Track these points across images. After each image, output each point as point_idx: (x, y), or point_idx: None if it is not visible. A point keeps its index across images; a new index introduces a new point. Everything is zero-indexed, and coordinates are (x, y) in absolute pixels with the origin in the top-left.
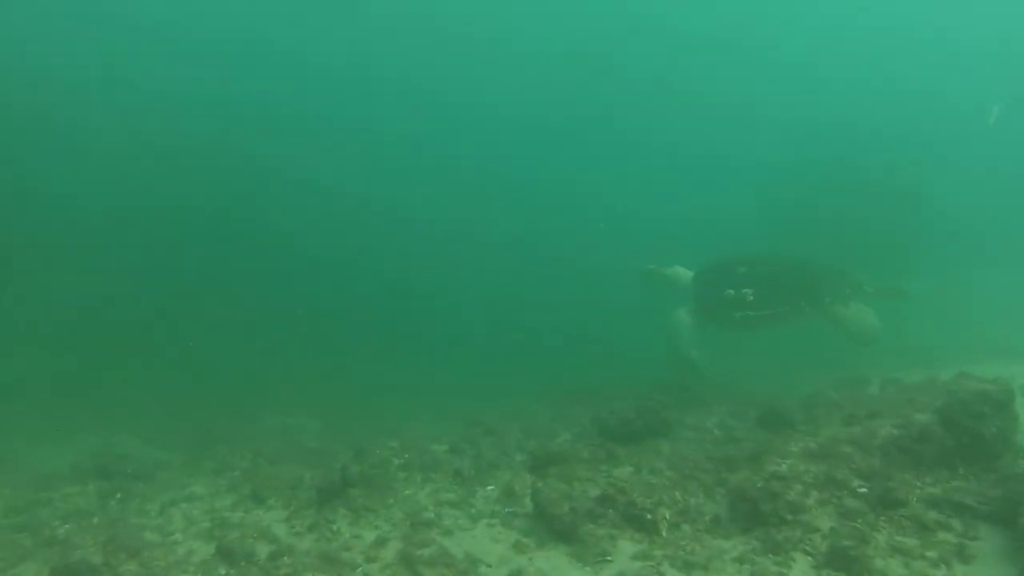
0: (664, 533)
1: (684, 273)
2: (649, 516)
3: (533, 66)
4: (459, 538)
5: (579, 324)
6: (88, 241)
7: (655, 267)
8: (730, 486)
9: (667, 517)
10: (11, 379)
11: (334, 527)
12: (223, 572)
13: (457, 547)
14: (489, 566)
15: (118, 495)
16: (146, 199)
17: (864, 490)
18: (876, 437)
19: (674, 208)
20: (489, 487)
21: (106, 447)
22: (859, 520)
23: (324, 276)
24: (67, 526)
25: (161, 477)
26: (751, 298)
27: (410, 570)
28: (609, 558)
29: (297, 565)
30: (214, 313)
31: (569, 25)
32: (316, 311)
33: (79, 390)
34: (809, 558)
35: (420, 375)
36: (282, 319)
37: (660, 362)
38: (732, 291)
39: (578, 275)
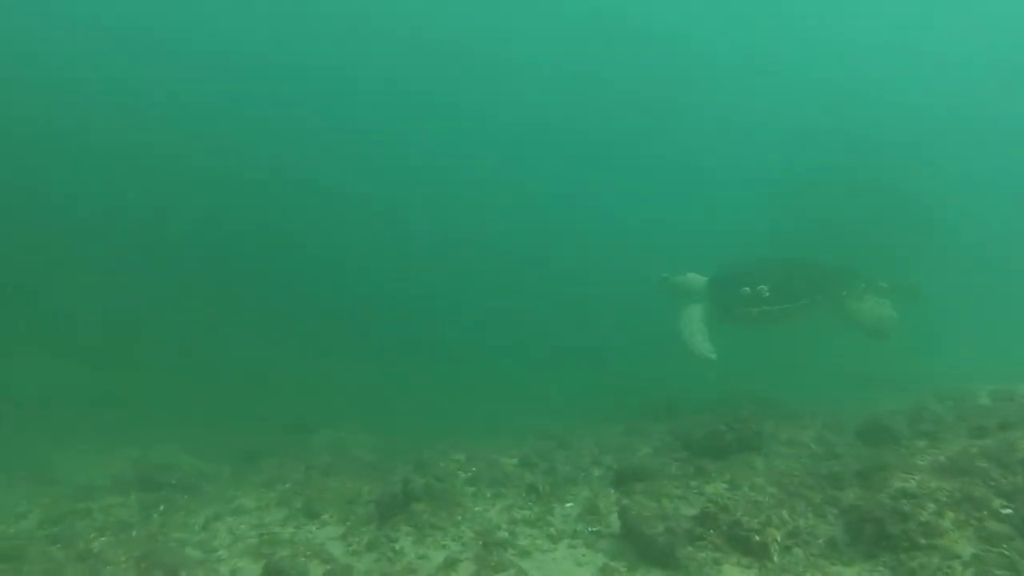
0: (776, 558)
1: (698, 278)
2: (757, 538)
3: (546, 78)
4: (538, 560)
5: (610, 337)
6: (121, 250)
7: (669, 275)
8: (844, 505)
9: (778, 539)
10: (47, 389)
11: (396, 546)
12: None
13: (537, 570)
14: None
15: (161, 507)
16: (180, 207)
17: (1009, 511)
18: (1017, 451)
19: (694, 217)
20: (568, 504)
21: (147, 458)
22: (1004, 546)
23: (363, 289)
24: (103, 539)
25: (206, 489)
26: (767, 294)
27: None
28: None
29: None
30: (256, 324)
31: (583, 39)
32: (357, 324)
33: (118, 400)
34: None
35: (467, 388)
36: (325, 331)
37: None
38: (748, 288)
39: (606, 287)
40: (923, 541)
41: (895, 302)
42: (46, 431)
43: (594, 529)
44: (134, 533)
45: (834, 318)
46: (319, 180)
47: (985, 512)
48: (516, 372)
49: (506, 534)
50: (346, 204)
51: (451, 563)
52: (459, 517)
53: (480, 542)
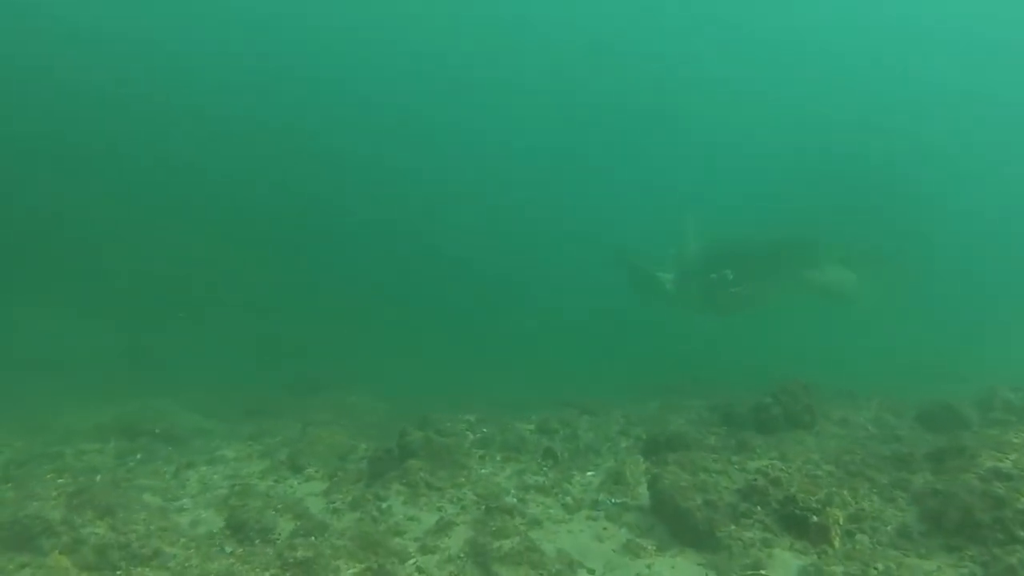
0: (837, 544)
1: (665, 278)
2: (815, 519)
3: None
4: (550, 531)
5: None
6: (157, 215)
7: (642, 265)
8: (917, 489)
9: (840, 522)
10: (79, 350)
11: (384, 504)
12: (227, 550)
13: (547, 543)
14: (592, 571)
15: (138, 456)
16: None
17: None
18: None
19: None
20: (589, 473)
21: (141, 410)
22: None
23: (410, 258)
24: (60, 480)
25: (193, 443)
26: (731, 276)
27: (481, 568)
28: (764, 573)
29: (325, 548)
30: (294, 294)
31: (641, 22)
32: (397, 291)
33: (145, 361)
34: None
35: (493, 365)
36: (364, 305)
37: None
38: (715, 275)
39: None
40: (1022, 532)
41: (859, 268)
42: (70, 387)
43: (618, 500)
44: (98, 478)
45: (805, 290)
46: (416, 169)
47: None
48: (545, 346)
49: (514, 500)
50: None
51: (444, 526)
52: (462, 479)
53: (482, 507)
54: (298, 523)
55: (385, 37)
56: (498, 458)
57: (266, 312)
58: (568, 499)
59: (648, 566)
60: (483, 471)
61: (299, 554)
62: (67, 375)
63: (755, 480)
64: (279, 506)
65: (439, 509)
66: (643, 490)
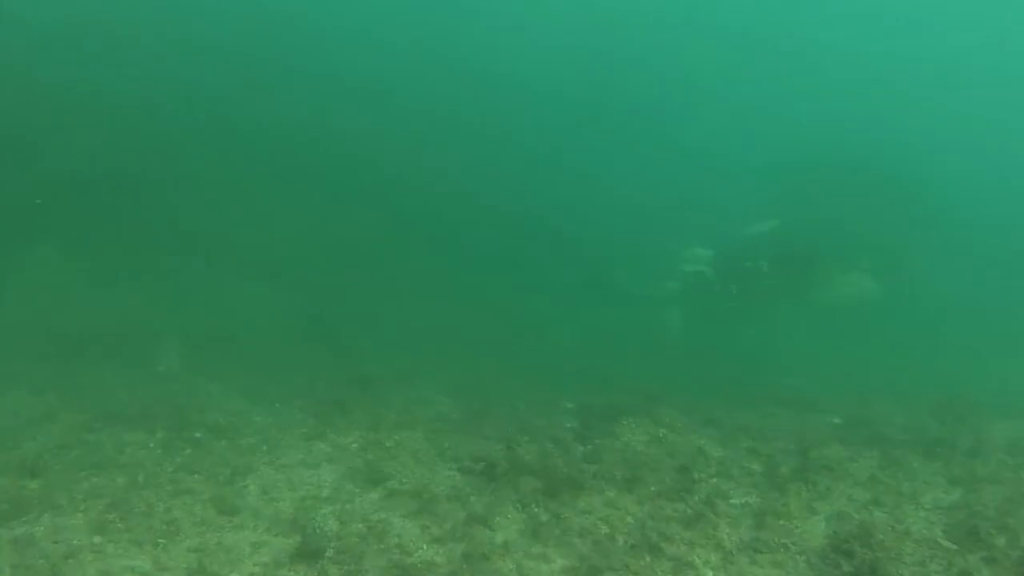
0: None
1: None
2: None
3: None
4: None
5: None
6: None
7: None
8: None
9: None
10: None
11: (497, 538)
12: None
13: None
14: None
15: (187, 451)
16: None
17: None
18: None
19: None
20: (733, 500)
21: (189, 394)
22: None
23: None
24: (94, 480)
25: (248, 438)
26: (766, 269)
27: None
28: None
29: None
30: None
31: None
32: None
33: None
34: None
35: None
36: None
37: None
38: (750, 263)
39: None
40: None
41: (876, 278)
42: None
43: (783, 540)
44: (140, 478)
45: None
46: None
47: None
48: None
49: (655, 536)
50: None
51: (583, 572)
52: (583, 503)
53: (619, 541)
54: (388, 555)
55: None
56: (618, 477)
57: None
58: (721, 536)
59: None
60: (608, 494)
61: None
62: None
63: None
64: (362, 529)
65: (568, 547)
66: (816, 526)
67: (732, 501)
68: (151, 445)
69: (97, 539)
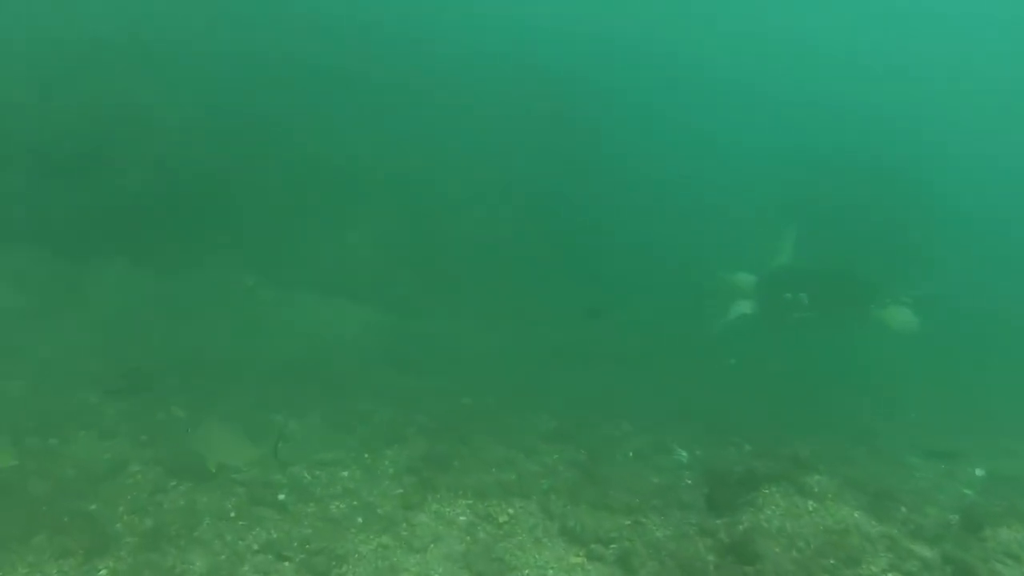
0: None
1: (747, 278)
2: None
3: None
4: None
5: None
6: None
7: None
8: None
9: None
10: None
11: None
12: None
13: None
14: None
15: (272, 519)
16: None
17: None
18: None
19: None
20: None
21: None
22: None
23: None
24: (169, 560)
25: (337, 503)
26: (806, 302)
27: None
28: None
29: None
30: None
31: None
32: None
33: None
34: None
35: None
36: None
37: None
38: (790, 294)
39: None
40: None
41: (918, 313)
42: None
43: None
44: (223, 558)
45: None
46: None
47: None
48: None
49: None
50: None
51: None
52: None
53: None
54: None
55: None
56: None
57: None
58: None
59: None
60: None
61: None
62: None
63: None
64: None
65: None
66: None
67: None
68: (231, 512)
69: None
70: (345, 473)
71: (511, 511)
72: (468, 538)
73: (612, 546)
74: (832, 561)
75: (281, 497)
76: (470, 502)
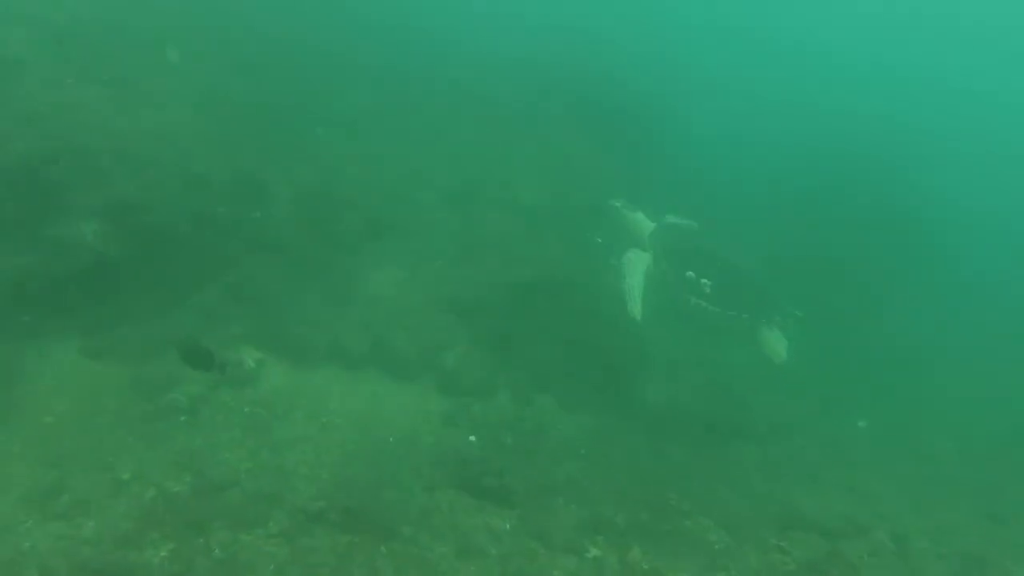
0: None
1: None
2: None
3: None
4: None
5: None
6: None
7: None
8: None
9: None
10: None
11: None
12: None
13: None
14: None
15: None
16: None
17: None
18: None
19: None
20: None
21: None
22: None
23: None
24: None
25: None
26: (708, 290)
27: None
28: None
29: None
30: None
31: None
32: None
33: None
34: None
35: None
36: None
37: None
38: (692, 273)
39: None
40: None
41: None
42: None
43: None
44: None
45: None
46: None
47: None
48: None
49: None
50: None
51: None
52: None
53: None
54: None
55: None
56: None
57: None
58: None
59: None
60: None
61: None
62: None
63: None
64: None
65: None
66: None
67: None
68: None
69: None
70: None
71: None
72: None
73: None
74: None
75: None
76: None
